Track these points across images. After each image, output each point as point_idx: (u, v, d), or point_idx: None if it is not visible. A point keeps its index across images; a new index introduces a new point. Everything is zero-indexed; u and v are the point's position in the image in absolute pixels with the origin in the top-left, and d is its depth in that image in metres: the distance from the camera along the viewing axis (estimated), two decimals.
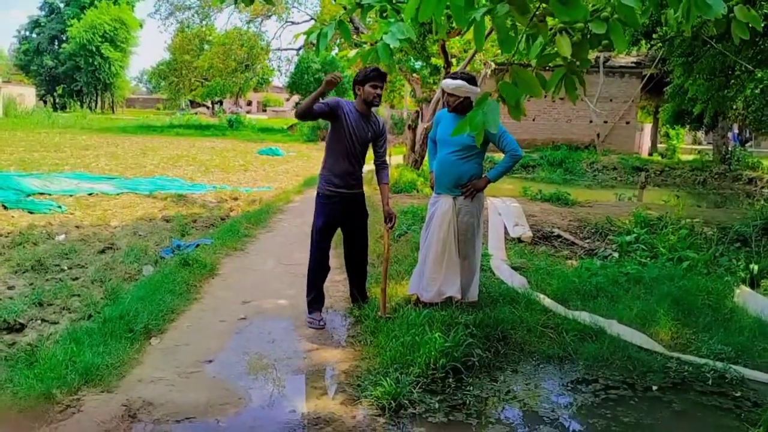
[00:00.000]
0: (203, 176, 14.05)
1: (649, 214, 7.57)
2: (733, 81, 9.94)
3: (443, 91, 4.45)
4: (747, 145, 31.38)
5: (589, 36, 2.74)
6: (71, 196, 10.17)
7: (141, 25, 58.26)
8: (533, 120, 25.72)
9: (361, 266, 4.72)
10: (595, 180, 21.10)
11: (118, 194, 10.74)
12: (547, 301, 4.69)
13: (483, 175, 4.42)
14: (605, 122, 25.75)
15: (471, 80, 4.29)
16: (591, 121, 25.52)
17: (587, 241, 7.12)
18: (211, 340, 4.06)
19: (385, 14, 3.33)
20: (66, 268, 5.95)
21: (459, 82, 4.24)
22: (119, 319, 3.98)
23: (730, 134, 27.26)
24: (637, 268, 5.48)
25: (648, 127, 30.83)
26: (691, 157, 26.31)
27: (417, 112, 17.08)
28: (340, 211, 4.46)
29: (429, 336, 3.62)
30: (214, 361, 3.73)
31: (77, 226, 7.91)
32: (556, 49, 2.74)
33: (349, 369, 3.65)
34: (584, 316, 4.38)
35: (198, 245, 6.59)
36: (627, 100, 25.83)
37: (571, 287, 5.01)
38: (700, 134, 42.97)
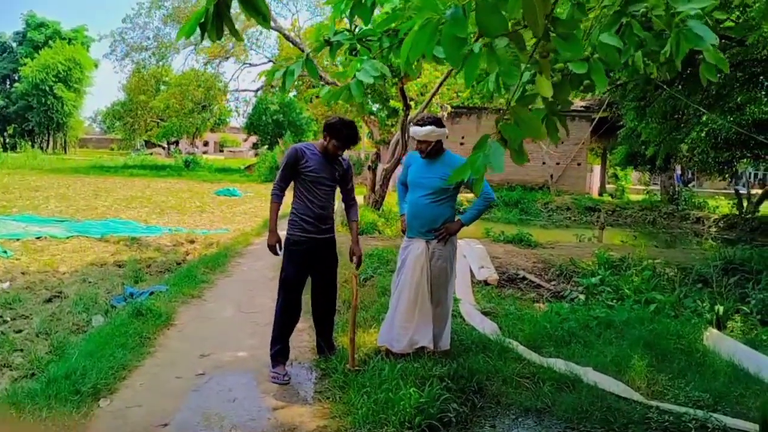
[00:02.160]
0: (158, 218, 13.60)
1: (611, 255, 7.59)
2: (683, 124, 10.25)
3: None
4: (690, 185, 32.52)
5: (569, 76, 2.69)
6: (18, 240, 9.67)
7: (96, 65, 57.41)
8: None
9: (328, 315, 4.50)
10: (550, 220, 21.40)
11: (67, 238, 10.26)
12: (520, 349, 4.55)
13: (456, 218, 4.31)
14: (557, 164, 26.45)
15: (438, 123, 4.21)
16: (544, 163, 26.17)
17: (553, 283, 7.07)
18: (166, 399, 3.74)
19: (354, 52, 3.23)
20: (9, 319, 5.55)
21: (428, 128, 4.15)
22: (65, 379, 3.65)
23: (674, 175, 28.34)
24: (606, 312, 5.42)
25: (597, 169, 31.75)
26: (640, 197, 27.13)
27: (377, 153, 17.13)
28: (311, 257, 4.27)
29: (404, 391, 3.41)
30: (170, 425, 3.42)
31: (23, 273, 7.48)
32: (536, 90, 2.68)
33: (317, 429, 3.40)
34: (560, 364, 4.25)
35: (152, 293, 6.25)
36: (578, 143, 26.59)
37: (543, 333, 4.89)
38: (646, 175, 44.47)
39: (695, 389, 3.99)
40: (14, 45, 56.66)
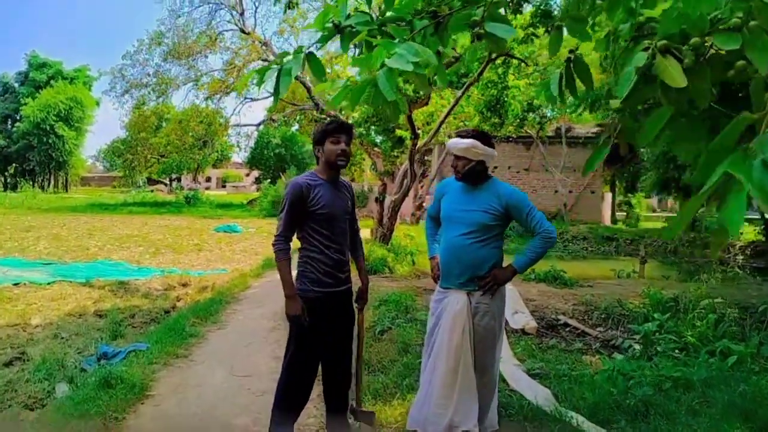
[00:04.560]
0: (152, 258, 12.69)
1: (662, 295, 6.59)
2: None
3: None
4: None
5: (708, 55, 1.79)
6: None
7: (98, 104, 57.30)
8: None
9: (343, 386, 3.51)
10: (566, 251, 20.48)
11: (49, 283, 9.35)
12: (586, 426, 3.56)
13: (507, 264, 3.34)
14: (570, 192, 25.58)
15: (484, 138, 3.28)
16: (556, 191, 25.33)
17: (599, 329, 6.07)
18: None
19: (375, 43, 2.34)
20: None
21: (470, 141, 3.22)
22: None
23: None
24: (681, 369, 4.42)
25: (608, 196, 30.90)
26: (654, 224, 26.23)
27: (384, 184, 16.27)
28: (328, 316, 3.29)
29: None
30: None
31: None
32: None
33: None
34: None
35: (130, 352, 5.30)
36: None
37: (610, 401, 3.89)
38: (653, 201, 43.42)
39: None
40: (16, 85, 56.76)
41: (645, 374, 4.34)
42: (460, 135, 3.29)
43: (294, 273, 3.28)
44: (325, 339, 3.30)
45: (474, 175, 3.27)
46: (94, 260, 12.07)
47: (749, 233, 20.44)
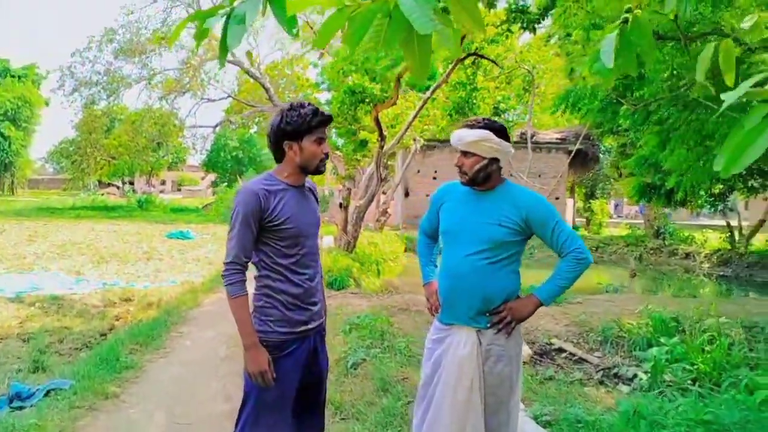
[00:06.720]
0: (94, 269, 11.56)
1: (663, 314, 5.95)
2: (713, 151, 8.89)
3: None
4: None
5: None
6: None
7: (47, 104, 55.00)
8: None
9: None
10: (532, 258, 20.06)
11: None
12: None
13: (525, 294, 2.59)
14: None
15: (498, 130, 2.54)
16: None
17: (596, 354, 5.40)
18: None
19: None
20: None
21: (481, 131, 2.46)
22: None
23: (638, 206, 27.20)
24: (710, 411, 3.75)
25: (570, 202, 30.79)
26: (622, 231, 26.23)
27: (348, 189, 15.48)
28: (301, 365, 2.47)
29: None
30: None
31: None
32: None
33: None
34: None
35: (49, 391, 4.37)
36: (555, 176, 25.71)
37: None
38: (610, 207, 43.77)
39: None
40: None
41: (668, 416, 3.66)
42: (468, 125, 2.52)
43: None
44: (295, 390, 2.48)
45: (486, 177, 2.51)
46: (29, 271, 10.93)
47: (714, 241, 20.39)
